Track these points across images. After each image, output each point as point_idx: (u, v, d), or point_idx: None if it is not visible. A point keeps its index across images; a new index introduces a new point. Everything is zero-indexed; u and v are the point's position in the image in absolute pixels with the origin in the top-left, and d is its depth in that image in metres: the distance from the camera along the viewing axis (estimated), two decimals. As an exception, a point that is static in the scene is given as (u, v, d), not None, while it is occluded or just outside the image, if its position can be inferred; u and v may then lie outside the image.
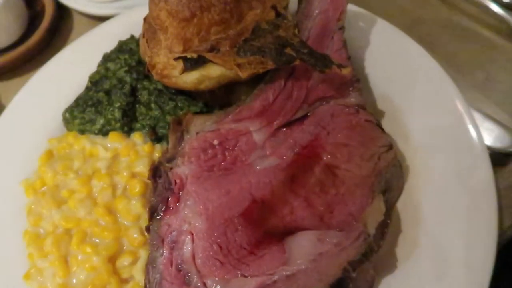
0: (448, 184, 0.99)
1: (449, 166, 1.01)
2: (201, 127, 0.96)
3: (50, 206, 0.99)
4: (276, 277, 0.84)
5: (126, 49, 1.24)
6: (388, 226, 0.96)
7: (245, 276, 0.85)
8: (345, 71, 0.95)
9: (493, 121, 1.14)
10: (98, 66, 1.23)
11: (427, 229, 0.95)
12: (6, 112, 1.23)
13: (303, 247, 0.88)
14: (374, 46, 1.25)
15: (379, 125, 1.02)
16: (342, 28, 1.10)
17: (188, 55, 1.01)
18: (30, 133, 1.21)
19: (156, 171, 0.95)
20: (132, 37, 1.30)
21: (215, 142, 0.97)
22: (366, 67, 1.23)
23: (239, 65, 0.98)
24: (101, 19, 1.53)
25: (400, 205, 1.03)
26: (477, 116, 1.13)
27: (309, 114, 1.04)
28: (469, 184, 0.97)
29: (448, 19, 1.45)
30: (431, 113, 1.09)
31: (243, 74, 0.97)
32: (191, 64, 1.01)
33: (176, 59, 1.02)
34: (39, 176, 1.07)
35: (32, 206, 1.01)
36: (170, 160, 0.96)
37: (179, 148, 0.96)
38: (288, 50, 0.98)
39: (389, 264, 0.94)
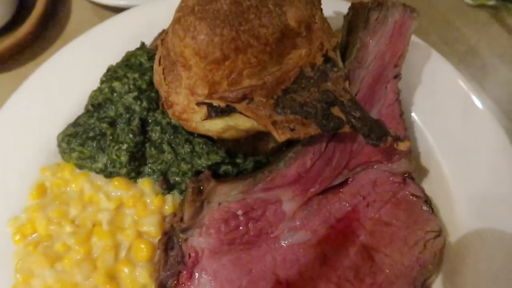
0: (497, 277, 0.87)
1: (499, 255, 0.89)
2: (225, 197, 0.82)
3: (42, 264, 0.86)
4: None
5: (135, 63, 1.05)
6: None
7: None
8: (402, 147, 0.80)
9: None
10: (102, 81, 1.04)
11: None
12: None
13: None
14: (424, 86, 1.07)
15: (428, 203, 0.88)
16: (397, 76, 0.93)
17: (215, 102, 0.83)
18: (19, 153, 1.04)
19: (168, 243, 0.82)
20: (142, 45, 1.10)
21: (239, 212, 0.83)
22: (413, 111, 1.06)
23: (275, 123, 0.81)
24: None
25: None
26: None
27: (349, 180, 0.89)
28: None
29: (507, 47, 1.26)
30: (485, 185, 0.95)
31: (280, 137, 0.80)
32: (217, 112, 0.84)
33: (199, 104, 0.84)
34: (29, 218, 0.92)
35: (20, 262, 0.87)
36: (185, 230, 0.82)
37: (197, 219, 0.81)
38: (335, 111, 0.81)
39: None
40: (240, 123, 0.86)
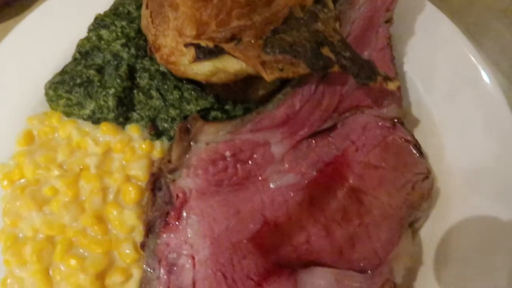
0: (484, 225, 0.87)
1: (489, 205, 0.88)
2: (213, 137, 0.81)
3: (29, 207, 0.85)
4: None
5: (124, 12, 1.03)
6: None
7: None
8: (392, 86, 0.79)
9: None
10: (89, 31, 1.02)
11: (454, 270, 0.86)
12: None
13: (318, 286, 0.79)
14: (417, 37, 1.06)
15: (417, 147, 0.88)
16: (389, 21, 0.92)
17: (202, 43, 0.82)
18: (6, 104, 1.02)
19: (155, 183, 0.82)
20: (131, -6, 1.08)
21: (227, 153, 0.83)
22: (405, 63, 1.06)
23: (263, 63, 0.80)
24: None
25: (423, 233, 0.93)
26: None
27: (338, 125, 0.89)
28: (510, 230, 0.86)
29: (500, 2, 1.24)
30: (475, 136, 0.94)
31: (269, 77, 0.79)
32: (205, 53, 0.83)
33: (187, 45, 0.83)
34: (16, 164, 0.92)
35: (8, 205, 0.87)
36: (173, 171, 0.81)
37: (185, 159, 0.81)
38: (325, 51, 0.80)
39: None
40: (229, 65, 0.84)
